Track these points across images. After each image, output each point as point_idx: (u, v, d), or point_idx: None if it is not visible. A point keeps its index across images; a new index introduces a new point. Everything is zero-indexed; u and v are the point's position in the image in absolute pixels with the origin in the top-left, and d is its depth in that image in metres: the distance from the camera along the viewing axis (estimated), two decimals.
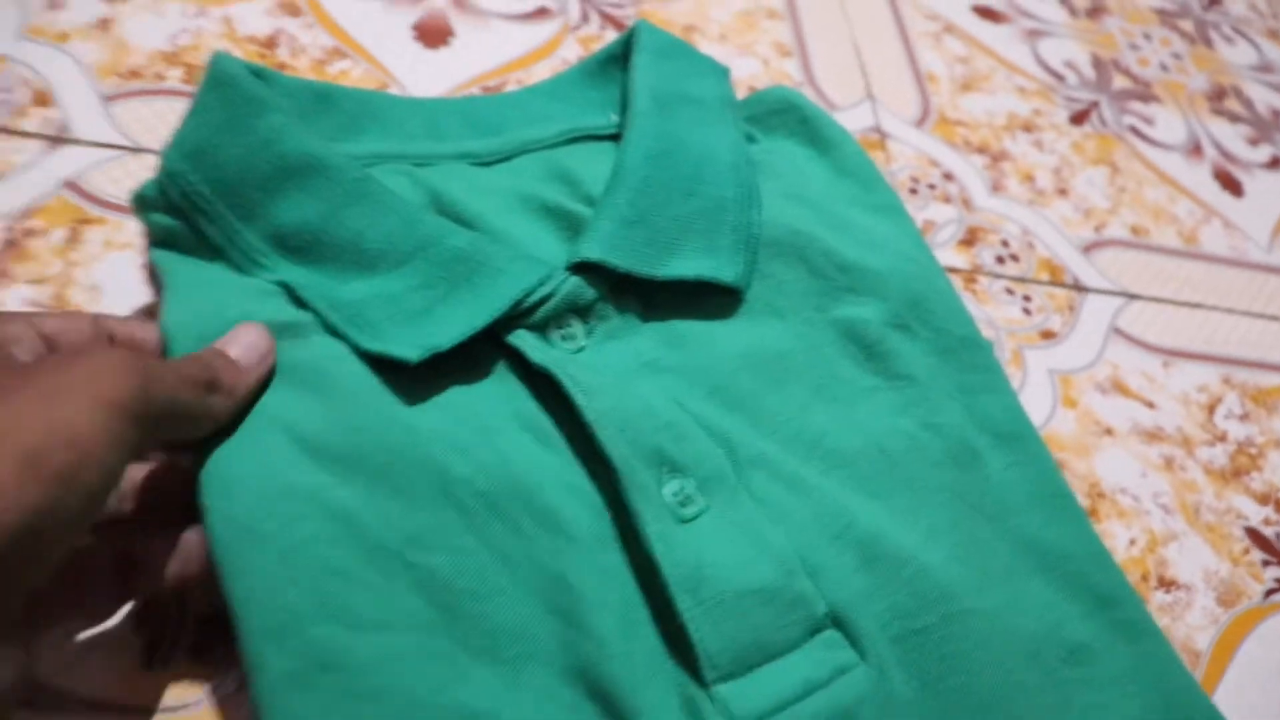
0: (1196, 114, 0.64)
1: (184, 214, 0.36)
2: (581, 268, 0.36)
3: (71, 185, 0.42)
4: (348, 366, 0.33)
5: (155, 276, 0.38)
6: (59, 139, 0.44)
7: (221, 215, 0.36)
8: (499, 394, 0.35)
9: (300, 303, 0.35)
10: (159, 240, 0.37)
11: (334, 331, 0.34)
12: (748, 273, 0.39)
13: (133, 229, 0.41)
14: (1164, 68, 0.66)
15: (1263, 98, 0.67)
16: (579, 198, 0.40)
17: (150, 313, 0.39)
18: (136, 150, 0.44)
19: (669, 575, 0.31)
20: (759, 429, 0.35)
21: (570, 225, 0.39)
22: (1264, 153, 0.63)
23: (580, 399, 0.33)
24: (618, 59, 0.45)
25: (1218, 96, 0.66)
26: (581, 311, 0.36)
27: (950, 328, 0.40)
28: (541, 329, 0.35)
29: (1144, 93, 0.64)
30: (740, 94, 0.50)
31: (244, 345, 0.32)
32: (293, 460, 0.31)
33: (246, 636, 0.28)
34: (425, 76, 0.50)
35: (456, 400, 0.34)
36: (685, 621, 0.30)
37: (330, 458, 0.31)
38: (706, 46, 0.56)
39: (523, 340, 0.35)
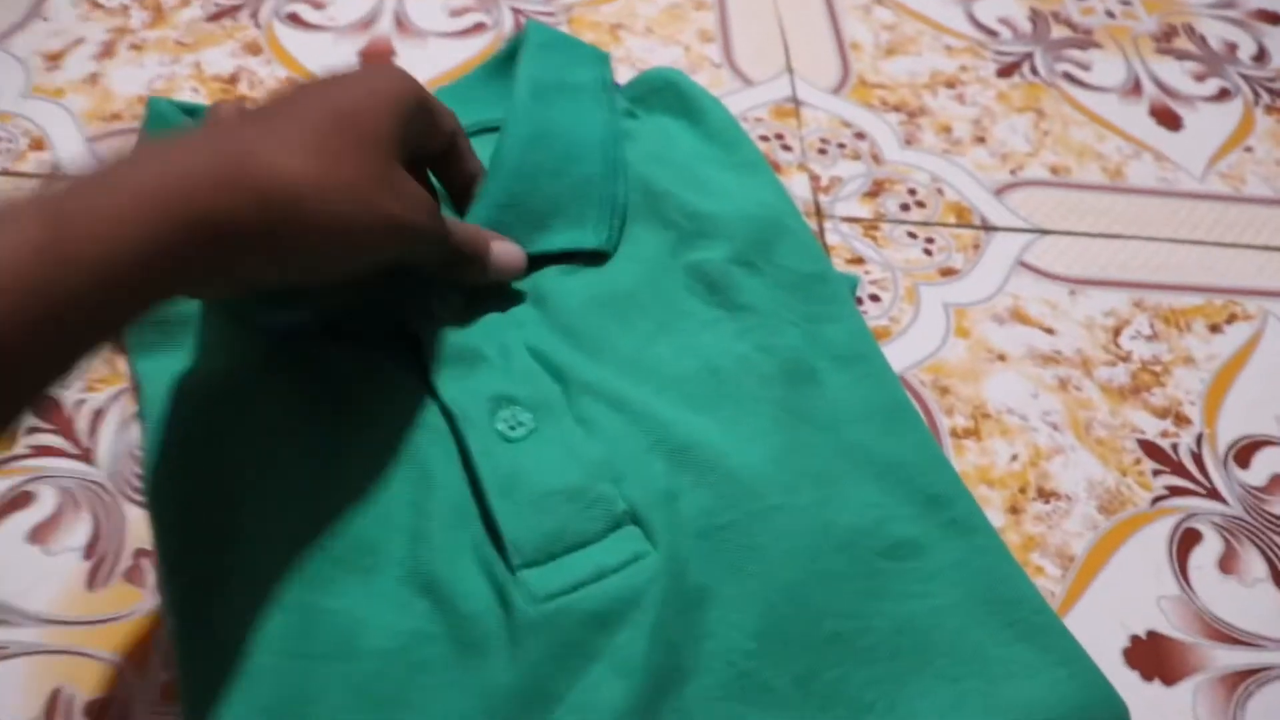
0: (1140, 55, 0.65)
1: None
2: None
3: None
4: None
5: None
6: (51, 176, 0.52)
7: None
8: (389, 357, 0.40)
9: None
10: None
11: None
12: (614, 238, 0.43)
13: None
14: (1110, 14, 0.67)
15: (1217, 33, 0.67)
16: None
17: None
18: None
19: (486, 482, 0.36)
20: (598, 360, 0.40)
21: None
22: (1211, 86, 0.63)
23: (432, 365, 0.39)
24: (513, 57, 0.50)
25: (1166, 37, 0.66)
26: (462, 287, 0.42)
27: (796, 266, 0.43)
28: (426, 302, 0.41)
29: (1084, 40, 0.65)
30: None
31: (507, 250, 0.40)
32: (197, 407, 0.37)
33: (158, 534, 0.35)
34: None
35: (351, 367, 0.40)
36: (496, 517, 0.35)
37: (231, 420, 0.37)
38: (632, 42, 0.60)
39: (410, 314, 0.40)
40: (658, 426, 0.38)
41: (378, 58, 0.59)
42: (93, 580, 0.39)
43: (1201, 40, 0.66)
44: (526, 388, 0.38)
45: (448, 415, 0.38)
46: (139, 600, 0.39)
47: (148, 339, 0.40)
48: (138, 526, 0.41)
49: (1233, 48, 0.66)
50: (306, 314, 0.40)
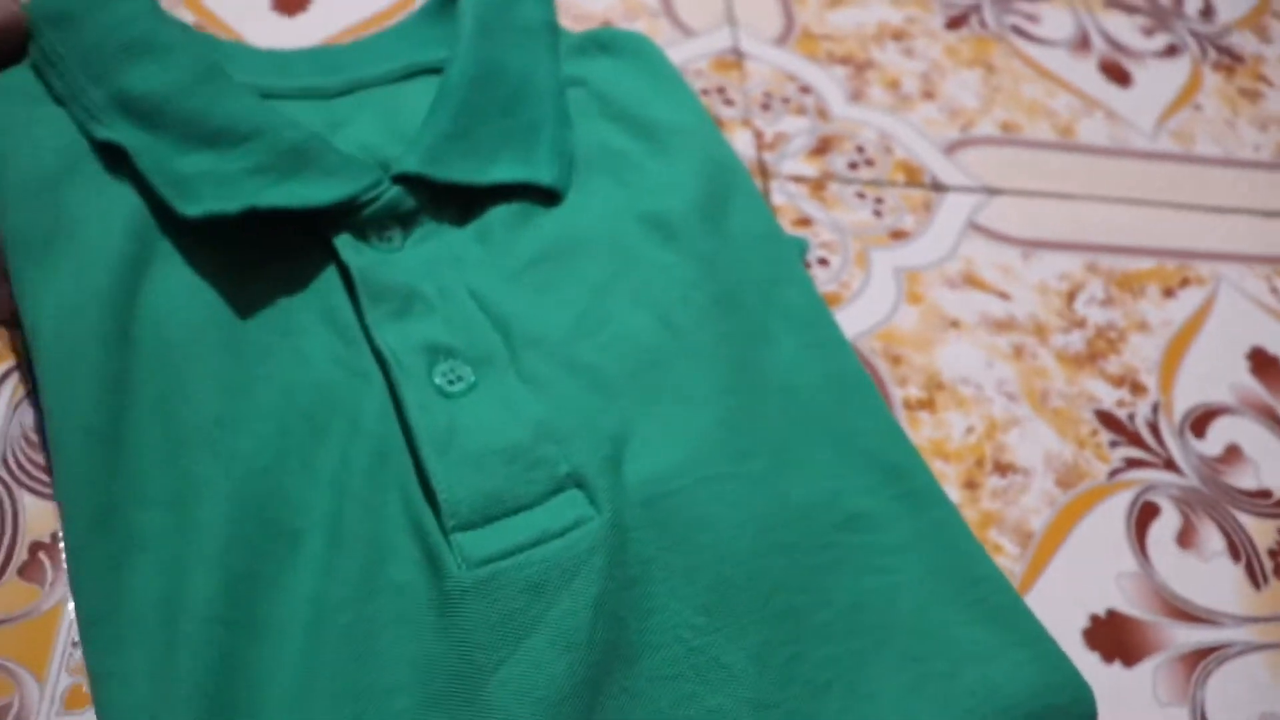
0: (1089, 8, 0.63)
1: (39, 72, 0.39)
2: (403, 179, 0.39)
3: None
4: (172, 254, 0.36)
5: None
6: None
7: (72, 73, 0.39)
8: (318, 291, 0.38)
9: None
10: None
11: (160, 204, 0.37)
12: (563, 177, 0.41)
13: None
14: None
15: None
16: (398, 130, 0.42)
17: None
18: None
19: (420, 437, 0.33)
20: (547, 311, 0.38)
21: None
22: (1159, 41, 0.62)
23: (366, 303, 0.37)
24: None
25: None
26: (402, 218, 0.39)
27: (749, 226, 0.42)
28: (362, 231, 0.38)
29: None
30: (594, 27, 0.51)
31: None
32: (112, 351, 0.34)
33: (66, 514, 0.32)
34: (285, 42, 0.52)
35: (275, 297, 0.37)
36: (430, 476, 0.33)
37: (142, 346, 0.34)
38: None
39: (343, 242, 0.38)
40: (606, 387, 0.36)
41: (291, 3, 0.54)
42: None
43: None
44: (467, 338, 0.36)
45: (380, 360, 0.36)
46: (37, 598, 0.35)
47: (29, 252, 0.36)
48: (34, 517, 0.37)
49: (1179, 2, 0.65)
50: (232, 205, 0.36)
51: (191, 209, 0.36)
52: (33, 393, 0.39)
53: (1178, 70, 0.61)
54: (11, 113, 0.38)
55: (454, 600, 0.31)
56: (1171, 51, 0.61)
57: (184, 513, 0.32)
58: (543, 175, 0.41)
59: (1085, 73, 0.59)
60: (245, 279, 0.37)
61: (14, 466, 0.38)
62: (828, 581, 0.34)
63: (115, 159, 0.38)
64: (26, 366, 0.39)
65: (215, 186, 0.36)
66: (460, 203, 0.40)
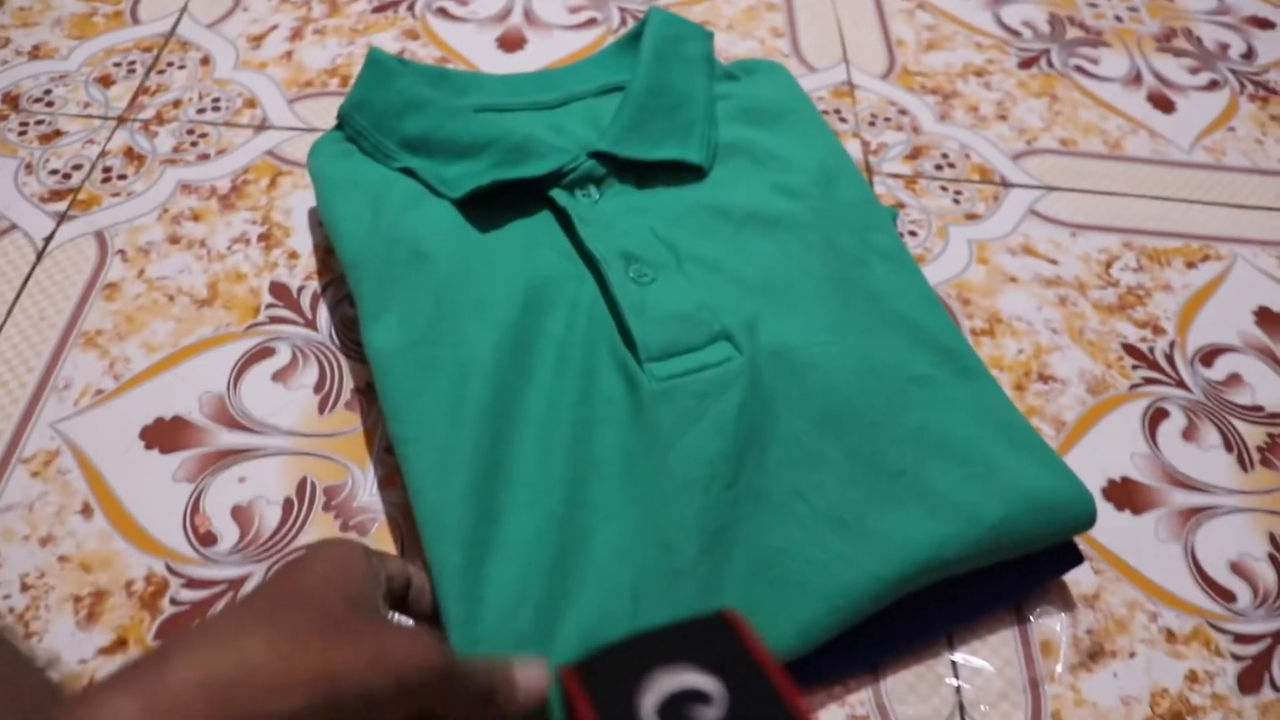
0: (1143, 52, 0.77)
1: (351, 140, 0.58)
2: (596, 155, 0.56)
3: (270, 153, 0.64)
4: (446, 213, 0.54)
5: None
6: (261, 127, 0.66)
7: (371, 134, 0.57)
8: (543, 229, 0.55)
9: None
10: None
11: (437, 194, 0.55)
12: (709, 159, 0.57)
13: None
14: (1118, 19, 0.80)
15: (1212, 35, 0.79)
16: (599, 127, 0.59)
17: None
18: (310, 130, 0.66)
19: (623, 305, 0.50)
20: (702, 241, 0.54)
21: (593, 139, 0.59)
22: (1203, 78, 0.76)
23: (579, 224, 0.54)
24: (639, 36, 0.64)
25: (1166, 37, 0.78)
26: (596, 180, 0.56)
27: (853, 194, 0.57)
28: (570, 190, 0.55)
29: (1094, 40, 0.77)
30: None
31: (530, 678, 0.36)
32: (413, 260, 0.52)
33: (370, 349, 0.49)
34: (507, 71, 0.70)
35: (516, 232, 0.55)
36: (631, 328, 0.49)
37: (433, 258, 0.52)
38: (717, 37, 0.74)
39: (557, 194, 0.55)
40: (745, 285, 0.52)
41: (511, 44, 0.72)
42: (322, 408, 0.52)
43: (1198, 41, 0.79)
44: (649, 251, 0.53)
45: (589, 263, 0.52)
46: (356, 423, 0.52)
47: (337, 190, 0.56)
48: (351, 374, 0.54)
49: (1225, 47, 0.78)
50: (483, 181, 0.54)
51: (457, 193, 0.54)
52: (341, 297, 0.56)
53: (1217, 100, 0.74)
54: (341, 161, 0.58)
55: (646, 403, 0.46)
56: (1213, 86, 0.75)
57: (461, 350, 0.48)
58: (693, 155, 0.57)
59: (1135, 102, 0.73)
60: (497, 222, 0.54)
61: (338, 341, 0.55)
62: (901, 410, 0.48)
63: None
64: (340, 280, 0.57)
65: (471, 178, 0.54)
66: (638, 173, 0.57)
